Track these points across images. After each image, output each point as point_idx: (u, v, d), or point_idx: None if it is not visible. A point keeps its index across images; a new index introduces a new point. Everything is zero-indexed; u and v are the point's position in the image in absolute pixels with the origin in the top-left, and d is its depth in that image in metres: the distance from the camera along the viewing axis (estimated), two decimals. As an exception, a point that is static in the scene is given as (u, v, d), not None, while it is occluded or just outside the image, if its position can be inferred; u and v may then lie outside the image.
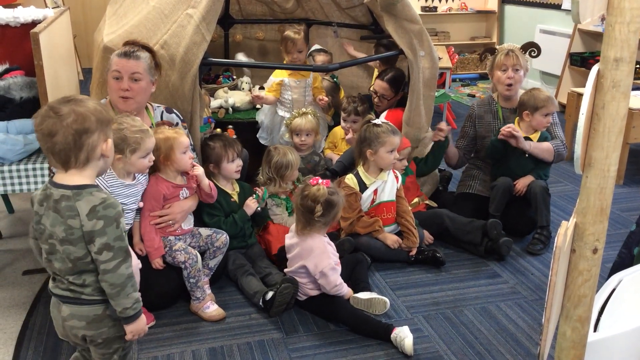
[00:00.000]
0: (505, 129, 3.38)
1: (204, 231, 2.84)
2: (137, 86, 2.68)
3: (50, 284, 1.83)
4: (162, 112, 2.92)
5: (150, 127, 2.74)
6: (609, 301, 1.89)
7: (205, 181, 2.78)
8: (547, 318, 1.38)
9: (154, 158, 2.55)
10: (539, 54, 3.61)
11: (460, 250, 3.33)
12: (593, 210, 1.38)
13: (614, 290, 1.94)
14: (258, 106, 3.97)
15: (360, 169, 3.17)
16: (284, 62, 3.77)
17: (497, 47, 3.65)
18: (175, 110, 2.96)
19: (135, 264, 2.59)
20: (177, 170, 2.72)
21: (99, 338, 1.83)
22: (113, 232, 1.72)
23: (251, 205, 3.04)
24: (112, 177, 2.50)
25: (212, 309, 2.70)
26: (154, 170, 2.70)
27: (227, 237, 2.84)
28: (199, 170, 2.74)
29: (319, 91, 3.78)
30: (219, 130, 3.45)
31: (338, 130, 3.88)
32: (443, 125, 3.52)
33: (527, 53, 3.59)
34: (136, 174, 2.57)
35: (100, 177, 2.47)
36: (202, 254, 2.78)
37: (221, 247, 2.82)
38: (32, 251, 1.90)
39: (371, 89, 3.88)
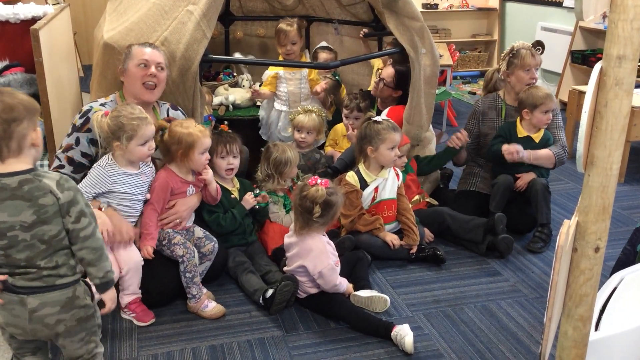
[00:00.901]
0: (511, 154, 3.35)
1: (198, 232, 2.83)
2: (161, 75, 2.76)
3: (11, 279, 1.80)
4: (168, 109, 2.94)
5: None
6: (610, 300, 1.88)
7: (213, 184, 2.81)
8: (549, 317, 1.37)
9: (154, 146, 2.55)
10: (543, 52, 3.62)
11: (461, 248, 3.32)
12: (595, 208, 1.38)
13: (615, 288, 1.94)
14: (258, 103, 3.97)
15: (361, 166, 3.16)
16: (279, 54, 3.77)
17: (514, 45, 3.61)
18: (180, 108, 2.97)
19: (139, 260, 2.59)
20: (191, 168, 2.73)
21: (73, 320, 1.85)
22: (82, 199, 1.81)
23: (249, 200, 3.04)
24: (113, 167, 2.51)
25: (210, 307, 2.69)
26: (169, 161, 2.72)
27: (217, 245, 2.83)
28: (209, 175, 2.76)
29: (315, 83, 3.77)
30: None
31: (339, 128, 3.87)
32: (464, 134, 3.48)
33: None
34: (140, 164, 2.58)
35: (100, 167, 2.49)
36: None
37: (207, 254, 2.80)
38: None
39: (379, 72, 3.85)
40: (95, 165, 2.55)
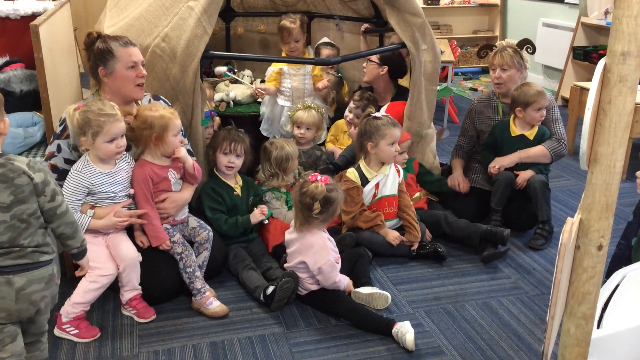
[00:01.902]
0: (489, 171, 3.45)
1: (192, 222, 2.83)
2: (145, 72, 2.75)
3: None
4: (150, 100, 2.91)
5: None
6: (612, 297, 1.88)
7: (190, 161, 2.74)
8: (551, 315, 1.37)
9: (123, 144, 2.50)
10: (534, 51, 3.62)
11: (462, 245, 3.32)
12: (598, 206, 1.37)
13: (617, 286, 1.93)
14: (259, 100, 3.96)
15: (362, 163, 3.15)
16: (283, 51, 3.77)
17: (497, 44, 3.63)
18: (162, 97, 2.95)
19: (135, 256, 2.58)
20: (166, 151, 2.67)
21: (50, 296, 1.97)
22: (52, 178, 1.92)
23: (258, 216, 3.03)
24: (89, 168, 2.49)
25: (215, 304, 2.67)
26: (142, 150, 2.69)
27: (211, 233, 2.81)
28: (182, 152, 2.69)
29: (319, 79, 3.77)
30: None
31: (340, 123, 3.86)
32: (464, 186, 3.56)
33: (524, 50, 3.57)
34: (117, 161, 2.56)
35: (77, 171, 2.50)
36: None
37: (203, 242, 2.79)
38: None
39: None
40: (71, 169, 2.52)
